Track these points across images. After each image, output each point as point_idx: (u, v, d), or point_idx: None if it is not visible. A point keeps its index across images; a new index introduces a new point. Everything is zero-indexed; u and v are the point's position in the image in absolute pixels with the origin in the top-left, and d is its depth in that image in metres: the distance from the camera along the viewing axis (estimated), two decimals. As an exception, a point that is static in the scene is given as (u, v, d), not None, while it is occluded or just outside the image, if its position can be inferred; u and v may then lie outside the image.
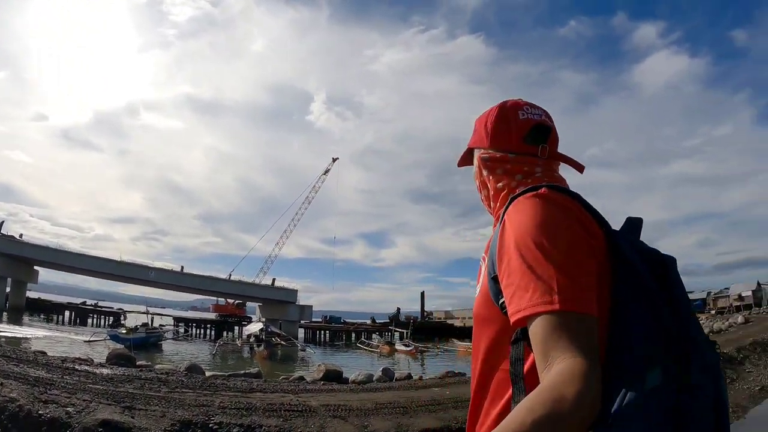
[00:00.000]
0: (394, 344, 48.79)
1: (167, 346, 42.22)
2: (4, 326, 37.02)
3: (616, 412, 0.85)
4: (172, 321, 68.07)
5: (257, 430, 6.68)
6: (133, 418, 6.65)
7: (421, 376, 15.06)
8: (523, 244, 1.01)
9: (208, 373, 12.44)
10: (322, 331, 67.78)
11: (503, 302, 1.05)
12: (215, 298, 76.64)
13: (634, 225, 1.15)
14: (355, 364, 31.26)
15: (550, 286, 0.93)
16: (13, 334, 30.16)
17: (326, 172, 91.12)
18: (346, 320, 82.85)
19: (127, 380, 9.69)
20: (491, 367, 1.16)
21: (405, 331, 55.31)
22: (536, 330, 0.92)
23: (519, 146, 1.36)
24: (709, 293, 71.50)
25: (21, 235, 64.59)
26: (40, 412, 6.39)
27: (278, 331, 46.09)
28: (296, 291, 72.28)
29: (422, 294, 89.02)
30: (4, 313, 53.00)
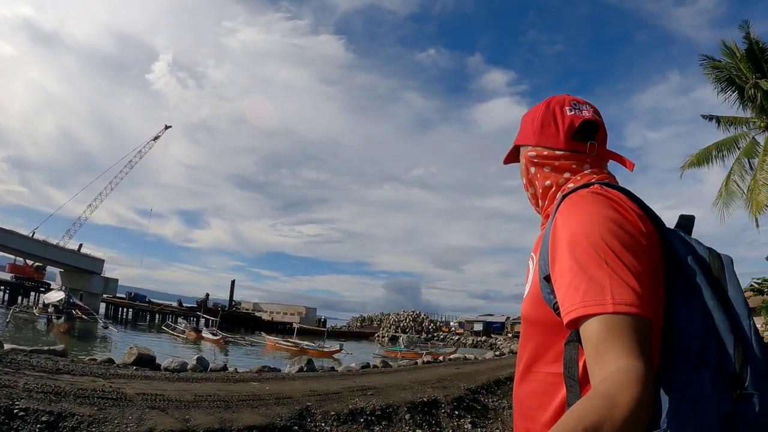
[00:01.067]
0: (201, 331, 47.04)
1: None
2: None
3: (670, 417, 0.86)
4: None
5: (69, 419, 6.00)
6: None
7: (237, 369, 14.73)
8: (576, 242, 0.99)
9: (6, 346, 11.03)
10: (126, 309, 64.17)
11: (557, 303, 1.01)
12: (12, 257, 68.39)
13: (687, 222, 1.14)
14: (161, 349, 29.85)
15: (603, 286, 0.91)
16: None
17: (156, 138, 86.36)
18: (152, 300, 78.29)
19: None
20: (540, 368, 1.14)
21: (213, 318, 53.63)
22: (588, 332, 0.90)
23: (567, 143, 1.35)
24: (507, 318, 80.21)
25: None
26: None
27: (80, 303, 42.51)
28: (103, 261, 67.62)
29: (233, 282, 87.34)
30: None
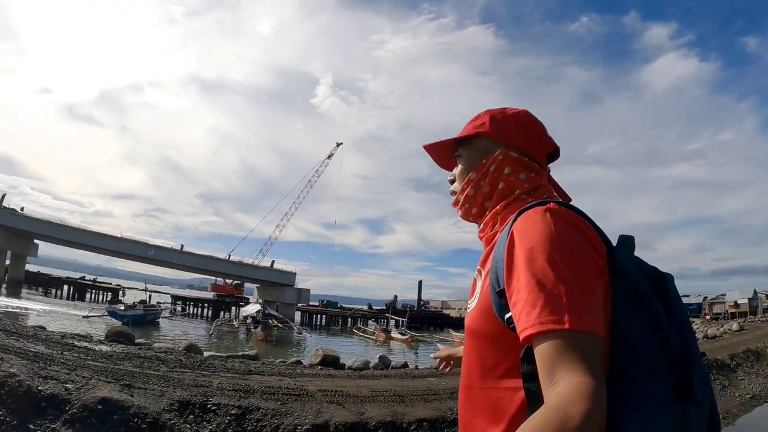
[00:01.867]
0: (390, 332, 48.94)
1: (164, 323, 42.51)
2: (3, 299, 37.04)
3: (628, 424, 0.88)
4: (170, 299, 68.65)
5: (255, 413, 6.71)
6: (132, 396, 6.69)
7: (417, 365, 15.04)
8: (534, 259, 0.99)
9: (206, 354, 12.46)
10: (319, 315, 68.18)
11: (509, 317, 1.03)
12: (214, 278, 76.45)
13: (628, 242, 1.14)
14: (351, 350, 31.43)
15: (560, 304, 0.92)
16: (12, 308, 30.11)
17: (330, 156, 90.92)
18: (343, 305, 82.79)
19: (126, 358, 9.72)
20: (489, 383, 1.13)
21: (401, 319, 55.24)
22: (544, 348, 0.91)
23: (542, 160, 1.36)
24: (705, 298, 71.09)
25: (22, 209, 64.36)
26: (39, 387, 6.40)
27: (275, 313, 46.26)
28: (294, 274, 72.04)
29: (419, 283, 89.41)
30: (3, 286, 53.31)
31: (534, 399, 0.97)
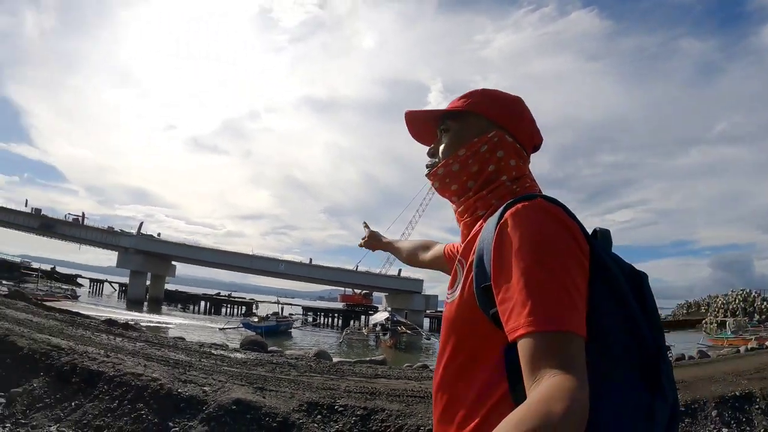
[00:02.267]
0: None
1: (296, 333, 44.11)
2: (145, 315, 40.14)
3: (601, 416, 0.89)
4: (301, 310, 71.53)
5: (379, 414, 6.77)
6: (264, 398, 6.99)
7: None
8: (524, 258, 0.97)
9: (335, 359, 12.82)
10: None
11: (494, 312, 1.01)
12: (343, 289, 78.55)
13: (605, 237, 1.14)
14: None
15: (550, 304, 0.92)
16: (153, 322, 32.47)
17: None
18: None
19: (259, 364, 10.22)
20: (468, 376, 1.12)
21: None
22: (529, 346, 0.90)
23: (529, 149, 1.35)
24: None
25: (159, 234, 70.70)
26: (179, 390, 6.90)
27: (403, 321, 46.50)
28: (422, 281, 71.85)
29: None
30: (145, 304, 58.15)
31: (515, 394, 0.99)
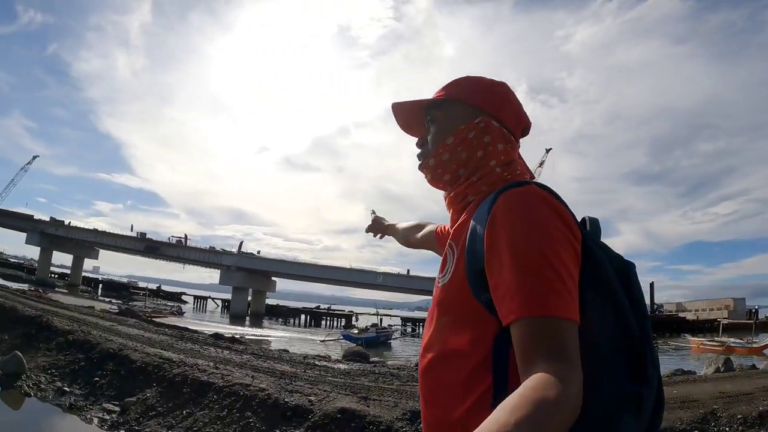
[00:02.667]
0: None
1: (395, 344, 44.15)
2: (248, 329, 41.58)
3: (588, 404, 0.86)
4: (400, 321, 71.81)
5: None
6: (368, 407, 7.03)
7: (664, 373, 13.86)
8: (518, 243, 0.97)
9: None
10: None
11: (487, 298, 1.01)
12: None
13: (594, 226, 1.14)
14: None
15: (545, 290, 0.91)
16: (257, 336, 33.53)
17: (541, 164, 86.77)
18: None
19: (362, 374, 10.34)
20: (458, 361, 1.08)
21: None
22: (524, 332, 0.90)
23: (517, 134, 1.33)
24: None
25: (259, 252, 73.93)
26: (286, 399, 7.07)
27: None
28: None
29: (651, 285, 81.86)
30: (247, 318, 60.22)
31: (507, 380, 0.98)
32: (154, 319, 26.81)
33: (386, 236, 2.20)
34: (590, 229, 1.13)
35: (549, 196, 1.05)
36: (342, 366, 11.62)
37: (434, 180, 1.35)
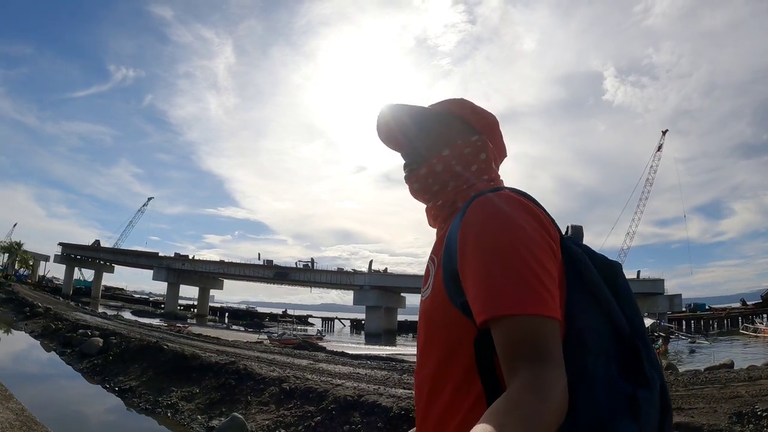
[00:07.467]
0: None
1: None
2: (384, 347, 39.49)
3: (579, 407, 0.87)
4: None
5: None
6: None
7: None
8: (490, 243, 0.94)
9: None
10: (689, 321, 62.50)
11: (462, 301, 0.98)
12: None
13: (576, 232, 1.13)
14: (743, 354, 29.90)
15: (518, 288, 0.88)
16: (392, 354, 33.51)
17: (659, 148, 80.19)
18: (711, 306, 73.72)
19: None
20: (446, 372, 1.04)
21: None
22: (503, 333, 0.87)
23: (499, 164, 1.32)
24: None
25: (386, 269, 74.54)
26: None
27: (669, 326, 43.90)
28: (662, 281, 64.03)
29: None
30: (381, 336, 59.18)
31: (492, 386, 0.95)
32: (320, 346, 28.16)
33: None
34: (572, 234, 1.11)
35: (522, 197, 1.03)
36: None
37: (421, 190, 1.28)
